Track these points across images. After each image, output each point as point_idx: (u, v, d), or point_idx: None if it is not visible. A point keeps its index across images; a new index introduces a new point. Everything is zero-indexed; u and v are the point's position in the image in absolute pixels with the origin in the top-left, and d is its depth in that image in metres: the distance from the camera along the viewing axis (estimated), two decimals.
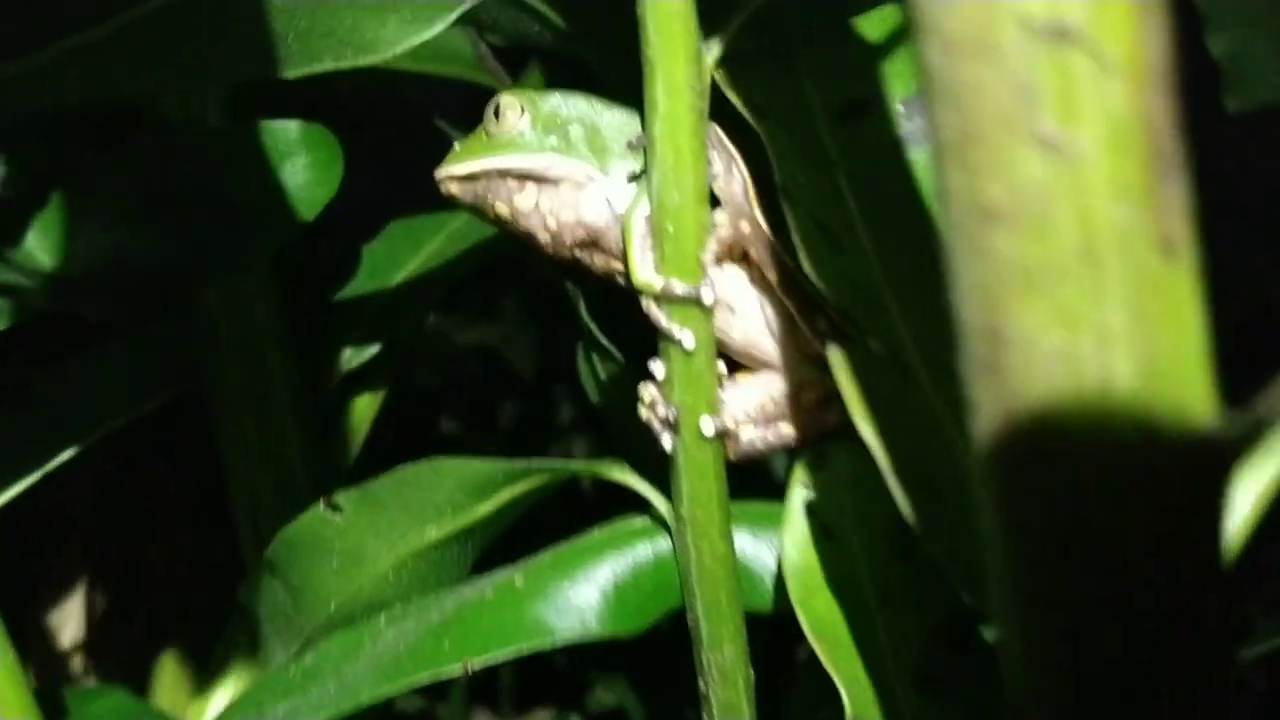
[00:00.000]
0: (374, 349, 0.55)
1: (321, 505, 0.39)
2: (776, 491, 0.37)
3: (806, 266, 0.27)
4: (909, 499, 0.23)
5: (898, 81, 0.32)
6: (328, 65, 0.32)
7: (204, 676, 0.53)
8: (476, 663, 0.34)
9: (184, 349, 0.50)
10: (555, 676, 0.61)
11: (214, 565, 0.57)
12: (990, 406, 0.17)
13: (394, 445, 0.61)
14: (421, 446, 0.65)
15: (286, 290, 0.52)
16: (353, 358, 0.54)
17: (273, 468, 0.50)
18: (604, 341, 0.55)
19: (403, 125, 0.59)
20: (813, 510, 0.33)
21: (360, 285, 0.55)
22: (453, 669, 0.34)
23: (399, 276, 0.55)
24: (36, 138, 0.50)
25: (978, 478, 0.17)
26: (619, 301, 0.68)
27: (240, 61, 0.32)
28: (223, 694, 0.51)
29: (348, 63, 0.32)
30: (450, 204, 0.56)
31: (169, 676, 0.56)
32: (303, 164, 0.48)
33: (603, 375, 0.57)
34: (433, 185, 0.40)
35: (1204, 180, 0.17)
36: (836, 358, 0.24)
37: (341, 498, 0.39)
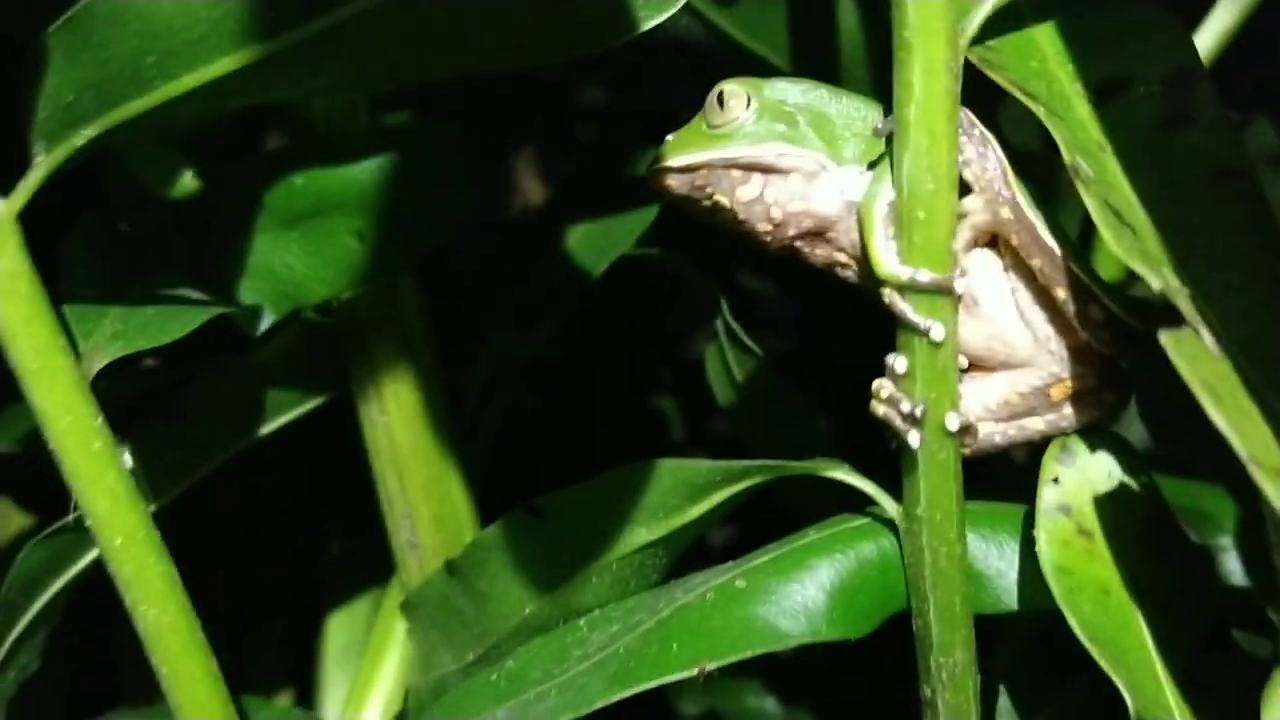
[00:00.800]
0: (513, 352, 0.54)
1: (521, 509, 0.38)
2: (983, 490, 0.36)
3: (1114, 246, 0.26)
4: (1268, 482, 0.22)
5: (1155, 59, 0.31)
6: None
7: (354, 684, 0.52)
8: (711, 665, 0.33)
9: (331, 354, 0.49)
10: None
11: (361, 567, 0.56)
12: None
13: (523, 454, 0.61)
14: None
15: (432, 291, 0.51)
16: (495, 359, 0.54)
17: (423, 467, 0.49)
18: (747, 340, 0.54)
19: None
20: (1068, 510, 0.31)
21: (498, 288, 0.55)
22: (685, 672, 0.33)
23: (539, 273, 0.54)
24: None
25: None
26: (757, 302, 0.67)
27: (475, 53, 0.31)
28: (379, 698, 0.50)
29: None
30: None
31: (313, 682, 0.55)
32: (452, 165, 0.48)
33: (739, 375, 0.56)
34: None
35: None
36: (1172, 343, 0.23)
37: (543, 501, 0.38)
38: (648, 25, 0.31)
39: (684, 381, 0.64)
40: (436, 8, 0.30)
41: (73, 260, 0.39)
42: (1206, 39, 0.60)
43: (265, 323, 0.45)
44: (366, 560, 0.55)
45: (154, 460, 0.46)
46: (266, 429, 0.48)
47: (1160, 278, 0.25)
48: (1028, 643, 0.38)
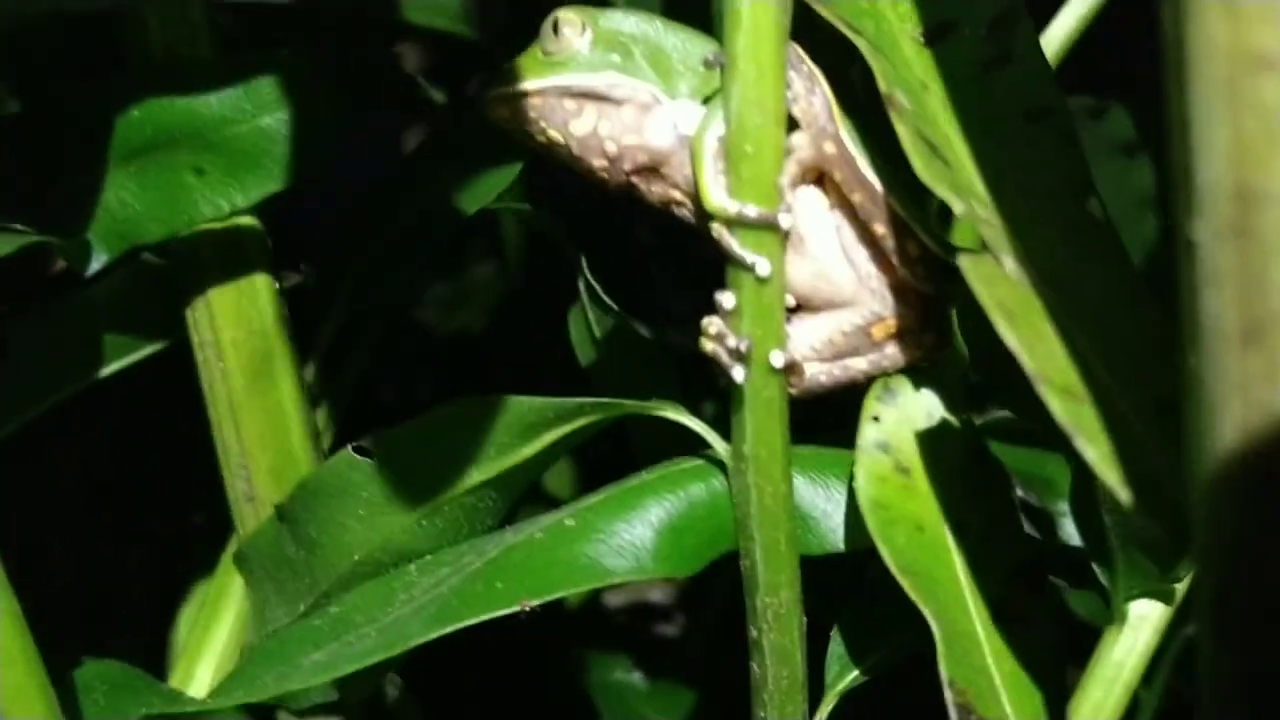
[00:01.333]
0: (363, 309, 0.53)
1: (349, 449, 0.37)
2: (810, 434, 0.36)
3: (922, 174, 0.26)
4: (1053, 397, 0.22)
5: (983, 2, 0.31)
6: None
7: (187, 636, 0.50)
8: (534, 602, 0.32)
9: (169, 300, 0.48)
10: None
11: (194, 526, 0.54)
12: (1235, 272, 0.16)
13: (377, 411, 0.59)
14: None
15: (286, 240, 0.49)
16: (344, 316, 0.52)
17: (261, 417, 0.47)
18: (605, 298, 0.54)
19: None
20: (886, 447, 0.32)
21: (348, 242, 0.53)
22: (508, 609, 0.32)
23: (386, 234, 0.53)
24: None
25: (1199, 365, 0.17)
26: (617, 262, 0.67)
27: None
28: (213, 654, 0.49)
29: None
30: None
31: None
32: (304, 106, 0.46)
33: (598, 333, 0.56)
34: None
35: None
36: (970, 266, 0.23)
37: (370, 442, 0.37)
38: None
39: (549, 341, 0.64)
40: None
41: None
42: (1063, 25, 0.61)
43: (98, 262, 0.43)
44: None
45: None
46: (100, 373, 0.46)
47: (964, 204, 0.25)
48: (861, 586, 0.38)
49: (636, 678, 0.60)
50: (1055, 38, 0.60)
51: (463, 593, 0.33)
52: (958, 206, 0.25)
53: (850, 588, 0.39)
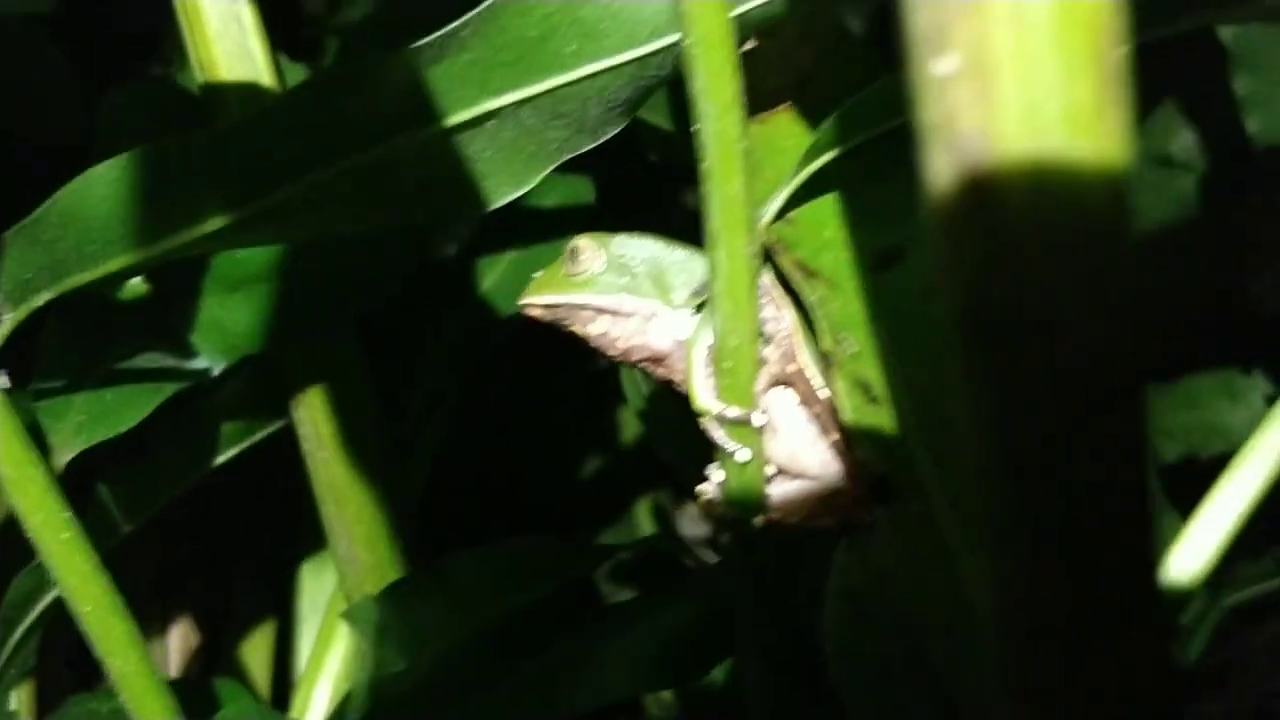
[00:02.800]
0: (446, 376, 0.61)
1: (426, 570, 0.46)
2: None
3: (849, 427, 0.33)
4: (933, 640, 0.29)
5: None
6: None
7: (307, 668, 0.61)
8: None
9: (277, 393, 0.56)
10: None
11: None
12: (941, 161, 0.19)
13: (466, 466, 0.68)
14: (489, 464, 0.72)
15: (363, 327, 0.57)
16: (429, 385, 0.61)
17: (356, 496, 0.56)
18: None
19: None
20: (851, 593, 0.39)
21: (428, 320, 0.61)
22: None
23: (465, 308, 0.61)
24: None
25: (930, 234, 0.20)
26: None
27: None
28: (324, 686, 0.59)
29: None
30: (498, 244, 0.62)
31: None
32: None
33: (644, 388, 0.64)
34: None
35: None
36: (876, 522, 0.30)
37: (451, 557, 0.45)
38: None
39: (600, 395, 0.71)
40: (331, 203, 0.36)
41: (46, 352, 0.46)
42: None
43: (216, 370, 0.52)
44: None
45: (124, 491, 0.54)
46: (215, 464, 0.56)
47: (884, 461, 0.32)
48: None
49: None
50: None
51: None
52: (871, 465, 0.32)
53: None
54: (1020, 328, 0.19)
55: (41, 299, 0.37)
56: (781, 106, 0.41)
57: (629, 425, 0.73)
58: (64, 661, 0.62)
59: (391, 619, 0.50)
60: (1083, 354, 0.19)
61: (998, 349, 0.20)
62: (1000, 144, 0.19)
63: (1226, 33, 0.79)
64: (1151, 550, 0.22)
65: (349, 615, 0.54)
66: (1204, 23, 0.33)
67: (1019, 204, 0.19)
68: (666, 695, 0.73)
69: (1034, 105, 0.18)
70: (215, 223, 0.36)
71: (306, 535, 0.65)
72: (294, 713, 0.59)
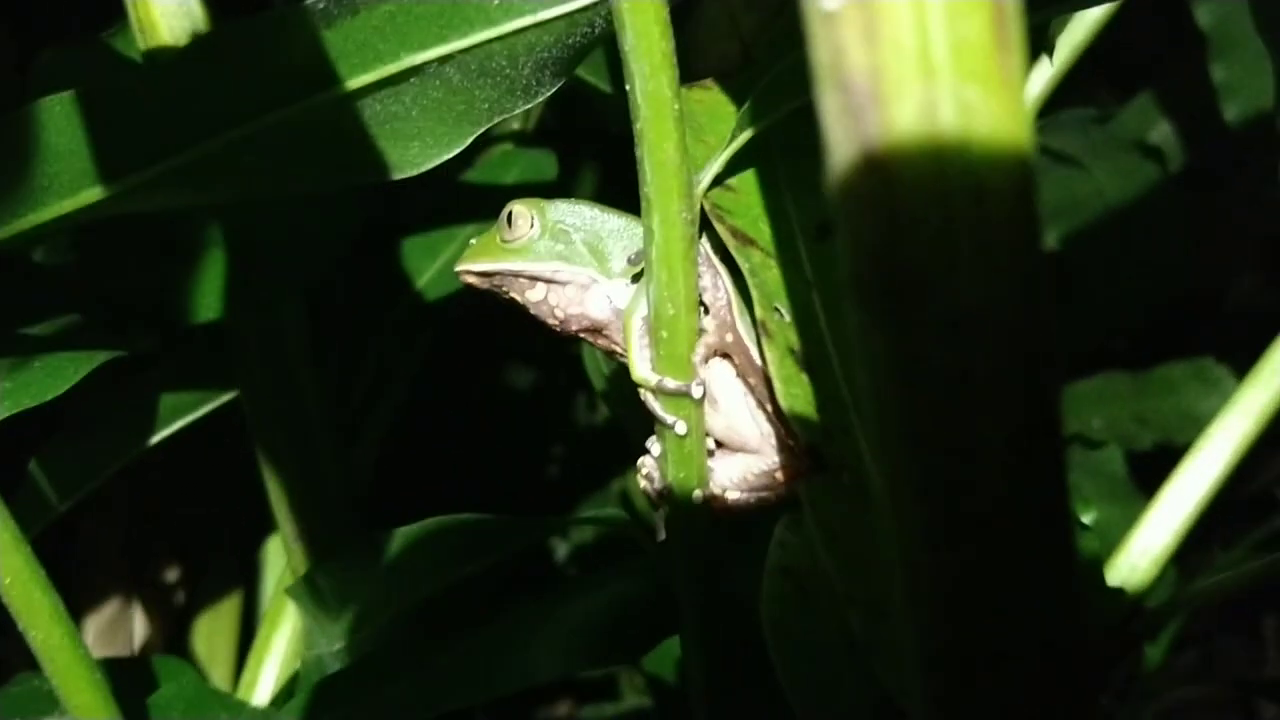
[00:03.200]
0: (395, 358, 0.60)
1: (361, 541, 0.45)
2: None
3: (781, 398, 0.32)
4: (857, 616, 0.28)
5: None
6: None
7: (254, 646, 0.60)
8: None
9: (220, 366, 0.55)
10: None
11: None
12: (843, 145, 0.19)
13: (416, 443, 0.67)
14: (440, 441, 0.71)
15: (312, 305, 0.56)
16: (376, 367, 0.60)
17: (304, 470, 0.55)
18: None
19: None
20: (788, 570, 0.38)
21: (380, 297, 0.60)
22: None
23: (418, 285, 0.60)
24: None
25: (837, 218, 0.20)
26: None
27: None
28: (275, 658, 0.58)
29: None
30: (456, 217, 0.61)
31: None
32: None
33: (605, 369, 0.63)
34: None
35: None
36: (806, 494, 0.29)
37: (392, 535, 0.44)
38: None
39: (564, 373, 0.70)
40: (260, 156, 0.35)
41: None
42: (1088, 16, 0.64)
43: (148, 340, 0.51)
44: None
45: (58, 467, 0.52)
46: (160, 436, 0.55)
47: (810, 433, 0.31)
48: None
49: None
50: (1077, 30, 0.63)
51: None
52: (802, 437, 0.31)
53: None
54: (909, 279, 0.18)
55: None
56: (726, 73, 0.39)
57: (599, 406, 0.72)
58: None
59: (331, 595, 0.49)
60: (971, 302, 0.18)
61: (888, 298, 0.19)
62: (886, 84, 0.17)
63: (1205, 19, 0.79)
64: (1061, 512, 0.21)
65: (292, 592, 0.53)
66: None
67: (908, 155, 0.18)
68: (639, 678, 0.72)
69: (921, 44, 0.17)
70: (133, 179, 0.35)
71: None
72: (241, 692, 0.58)
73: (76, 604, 0.64)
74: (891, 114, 0.18)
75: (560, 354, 0.71)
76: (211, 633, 0.71)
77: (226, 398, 0.56)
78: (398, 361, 0.59)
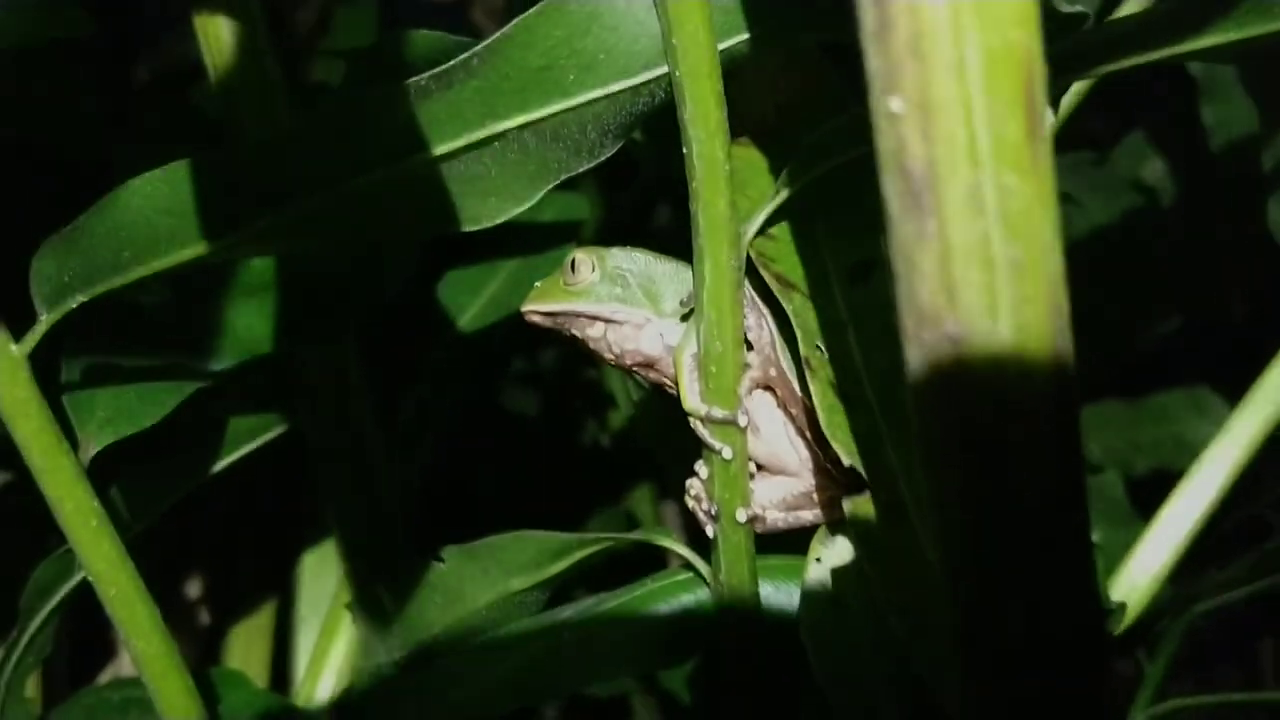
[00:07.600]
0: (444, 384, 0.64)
1: (430, 557, 0.49)
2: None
3: (824, 425, 0.36)
4: (897, 620, 0.32)
5: None
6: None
7: (312, 656, 0.63)
8: None
9: (282, 397, 0.59)
10: None
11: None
12: (903, 222, 0.23)
13: (460, 472, 0.71)
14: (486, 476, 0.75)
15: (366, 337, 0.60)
16: (428, 390, 0.64)
17: (362, 490, 0.59)
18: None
19: None
20: (825, 584, 0.42)
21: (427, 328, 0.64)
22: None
23: (462, 320, 0.64)
24: None
25: (910, 402, 0.25)
26: None
27: None
28: (332, 670, 0.61)
29: None
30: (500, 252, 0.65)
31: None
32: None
33: (633, 395, 0.67)
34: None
35: None
36: (850, 509, 0.33)
37: (446, 552, 0.48)
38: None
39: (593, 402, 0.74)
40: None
41: (74, 351, 0.49)
42: None
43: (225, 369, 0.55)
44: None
45: (138, 488, 0.56)
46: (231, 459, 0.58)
47: (852, 457, 0.35)
48: None
49: None
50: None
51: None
52: (846, 459, 0.35)
53: None
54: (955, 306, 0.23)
55: (75, 302, 0.40)
56: (766, 130, 0.44)
57: (613, 428, 0.76)
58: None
59: (392, 607, 0.53)
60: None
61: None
62: (940, 171, 0.22)
63: (1195, 66, 0.83)
64: (1083, 533, 0.25)
65: (354, 606, 0.57)
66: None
67: (958, 228, 0.22)
68: (652, 698, 0.76)
69: (969, 140, 0.21)
70: (235, 235, 0.39)
71: (310, 530, 0.68)
72: (299, 702, 0.62)
73: None
74: (944, 196, 0.22)
75: (571, 378, 0.75)
76: (246, 648, 0.75)
77: (285, 426, 0.60)
78: (445, 388, 0.63)
